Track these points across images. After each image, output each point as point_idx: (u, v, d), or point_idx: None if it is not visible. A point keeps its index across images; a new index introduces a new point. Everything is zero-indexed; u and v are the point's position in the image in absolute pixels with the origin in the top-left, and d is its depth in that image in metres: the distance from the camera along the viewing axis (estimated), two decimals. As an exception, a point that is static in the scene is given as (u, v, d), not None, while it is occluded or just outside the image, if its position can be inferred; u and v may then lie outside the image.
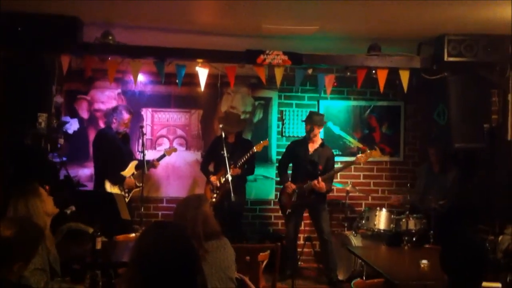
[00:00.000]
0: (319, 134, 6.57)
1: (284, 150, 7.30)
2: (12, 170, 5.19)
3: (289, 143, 6.96)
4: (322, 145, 6.52)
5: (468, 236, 2.78)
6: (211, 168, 6.76)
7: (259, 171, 7.05)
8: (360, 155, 6.46)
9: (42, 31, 5.31)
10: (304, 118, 6.66)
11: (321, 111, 7.32)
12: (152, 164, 6.57)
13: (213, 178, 6.51)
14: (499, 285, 3.46)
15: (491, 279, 3.64)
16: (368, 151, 6.43)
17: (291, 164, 6.72)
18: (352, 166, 7.32)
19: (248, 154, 6.42)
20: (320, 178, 6.20)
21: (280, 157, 7.33)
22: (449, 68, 5.87)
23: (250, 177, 6.94)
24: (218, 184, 6.46)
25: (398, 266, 4.55)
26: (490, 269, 2.69)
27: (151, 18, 5.42)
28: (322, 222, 6.43)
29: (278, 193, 6.80)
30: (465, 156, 6.48)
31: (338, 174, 7.21)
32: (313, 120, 6.44)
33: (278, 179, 7.35)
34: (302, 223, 6.69)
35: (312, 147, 6.49)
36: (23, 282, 3.24)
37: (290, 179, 6.58)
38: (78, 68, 6.48)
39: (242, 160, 6.42)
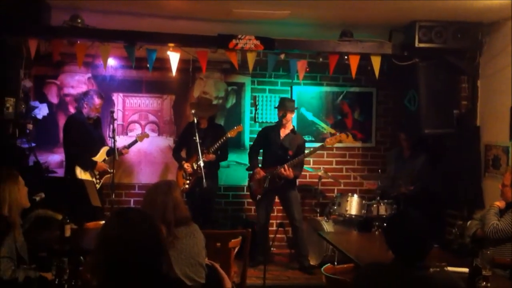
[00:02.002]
0: (292, 121, 6.56)
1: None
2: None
3: (260, 129, 6.93)
4: (293, 131, 6.53)
5: (408, 215, 2.88)
6: (183, 154, 6.71)
7: (232, 157, 7.02)
8: (329, 138, 6.48)
9: (8, 14, 5.20)
10: (276, 105, 6.65)
11: (294, 97, 7.31)
12: (120, 152, 6.46)
13: (186, 165, 6.45)
14: (466, 270, 3.50)
15: (458, 264, 3.69)
16: (338, 134, 6.42)
17: (262, 151, 6.70)
18: (325, 152, 7.37)
19: (222, 140, 6.38)
20: (286, 166, 6.20)
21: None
22: (419, 54, 5.92)
23: (223, 163, 6.90)
24: (191, 171, 6.41)
25: (368, 251, 4.58)
26: (429, 249, 2.76)
27: (120, 2, 5.34)
28: (293, 209, 6.44)
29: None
30: (434, 142, 6.55)
31: (311, 159, 7.26)
32: (286, 106, 6.43)
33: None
34: (275, 209, 6.71)
35: (283, 132, 6.48)
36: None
37: (260, 165, 6.57)
38: (46, 52, 6.37)
39: (215, 146, 6.37)
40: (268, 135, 6.58)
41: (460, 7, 5.26)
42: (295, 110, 6.67)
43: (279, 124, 6.50)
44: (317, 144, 6.84)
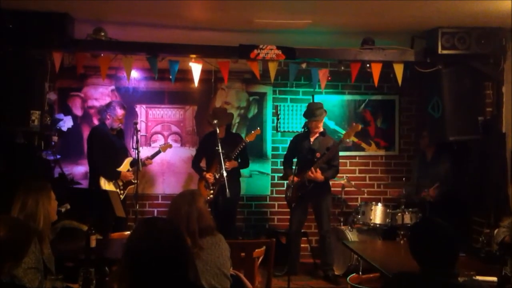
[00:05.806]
0: (322, 124, 6.45)
1: (279, 145, 7.30)
2: (2, 168, 5.16)
3: (292, 137, 6.84)
4: (323, 133, 6.43)
5: (433, 222, 2.77)
6: (202, 164, 6.72)
7: (254, 166, 7.01)
8: (344, 133, 6.45)
9: (33, 28, 5.29)
10: (300, 113, 6.60)
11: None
12: (144, 163, 6.48)
13: (208, 175, 6.46)
14: (495, 279, 3.44)
15: (486, 272, 3.64)
16: (352, 127, 6.35)
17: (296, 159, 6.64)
18: (348, 161, 7.35)
19: (242, 145, 6.38)
20: (312, 168, 6.16)
21: (275, 152, 7.33)
22: (443, 60, 5.86)
23: (245, 173, 6.90)
24: (214, 180, 6.42)
25: (394, 260, 4.54)
26: (456, 257, 2.65)
27: (142, 14, 5.40)
28: (322, 218, 6.39)
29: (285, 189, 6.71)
30: (459, 148, 6.48)
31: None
32: (308, 115, 6.38)
33: (274, 174, 7.35)
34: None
35: (313, 136, 6.43)
36: (16, 282, 3.23)
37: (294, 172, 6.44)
38: (70, 65, 6.46)
39: (236, 152, 6.37)
40: (298, 142, 6.53)
41: (483, 12, 5.21)
42: (323, 116, 6.42)
43: (309, 131, 6.45)
44: (340, 153, 6.78)
